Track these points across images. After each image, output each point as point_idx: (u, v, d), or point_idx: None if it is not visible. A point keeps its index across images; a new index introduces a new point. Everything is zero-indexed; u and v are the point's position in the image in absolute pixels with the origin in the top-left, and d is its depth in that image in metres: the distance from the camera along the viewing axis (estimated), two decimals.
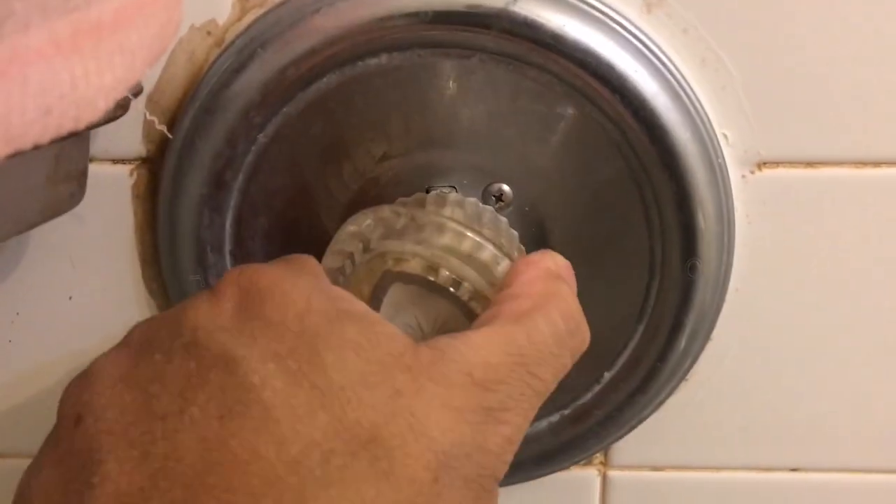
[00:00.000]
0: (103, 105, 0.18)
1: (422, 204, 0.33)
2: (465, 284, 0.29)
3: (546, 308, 0.25)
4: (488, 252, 0.30)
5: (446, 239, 0.30)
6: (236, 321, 0.23)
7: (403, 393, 0.22)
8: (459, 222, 0.30)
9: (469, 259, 0.29)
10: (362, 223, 0.31)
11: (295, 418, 0.21)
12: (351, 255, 0.31)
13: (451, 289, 0.29)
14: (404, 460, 0.21)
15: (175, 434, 0.21)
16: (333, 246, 0.32)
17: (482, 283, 0.30)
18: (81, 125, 0.18)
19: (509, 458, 0.24)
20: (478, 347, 0.23)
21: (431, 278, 0.29)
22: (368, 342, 0.23)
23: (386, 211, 0.31)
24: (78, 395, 0.24)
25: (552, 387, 0.25)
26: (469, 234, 0.30)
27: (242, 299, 0.23)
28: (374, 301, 0.31)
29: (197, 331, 0.23)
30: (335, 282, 0.31)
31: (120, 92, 0.19)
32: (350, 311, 0.24)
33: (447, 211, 0.32)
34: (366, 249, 0.31)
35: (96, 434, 0.22)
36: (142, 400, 0.22)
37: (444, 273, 0.29)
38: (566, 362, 0.26)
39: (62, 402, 0.25)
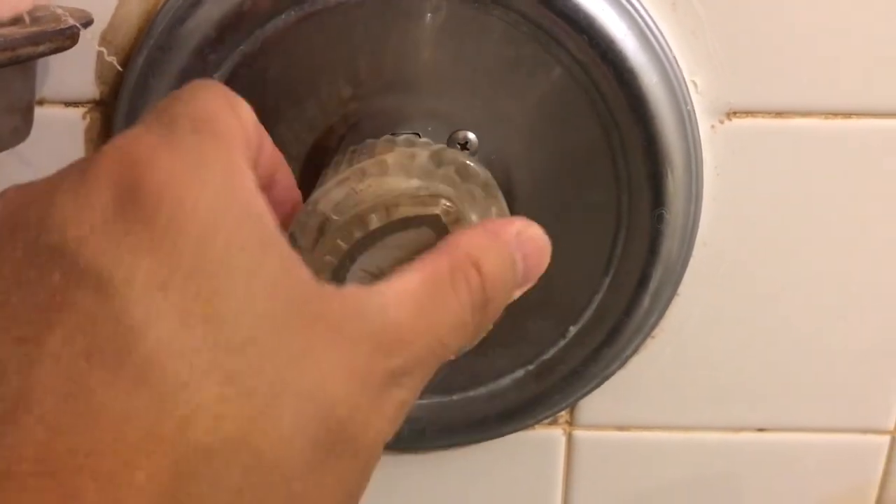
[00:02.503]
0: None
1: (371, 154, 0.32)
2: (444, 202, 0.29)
3: (458, 275, 0.23)
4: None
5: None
6: (114, 225, 0.18)
7: (312, 352, 0.19)
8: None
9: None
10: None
11: (183, 377, 0.17)
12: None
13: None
14: (303, 429, 0.19)
15: (31, 366, 0.17)
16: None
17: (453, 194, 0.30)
18: (6, 14, 0.16)
19: (400, 421, 0.22)
20: (388, 307, 0.21)
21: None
22: (283, 282, 0.19)
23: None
24: None
25: (455, 354, 0.23)
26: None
27: (125, 192, 0.18)
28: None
29: (65, 230, 0.18)
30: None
31: None
32: (263, 235, 0.19)
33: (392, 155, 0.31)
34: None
35: None
36: None
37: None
38: (470, 334, 0.24)
39: None
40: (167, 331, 0.18)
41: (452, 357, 0.23)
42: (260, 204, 0.20)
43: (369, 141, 0.33)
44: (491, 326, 0.25)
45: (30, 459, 0.17)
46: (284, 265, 0.19)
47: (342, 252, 0.30)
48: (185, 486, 0.17)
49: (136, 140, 0.19)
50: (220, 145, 0.20)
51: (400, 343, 0.21)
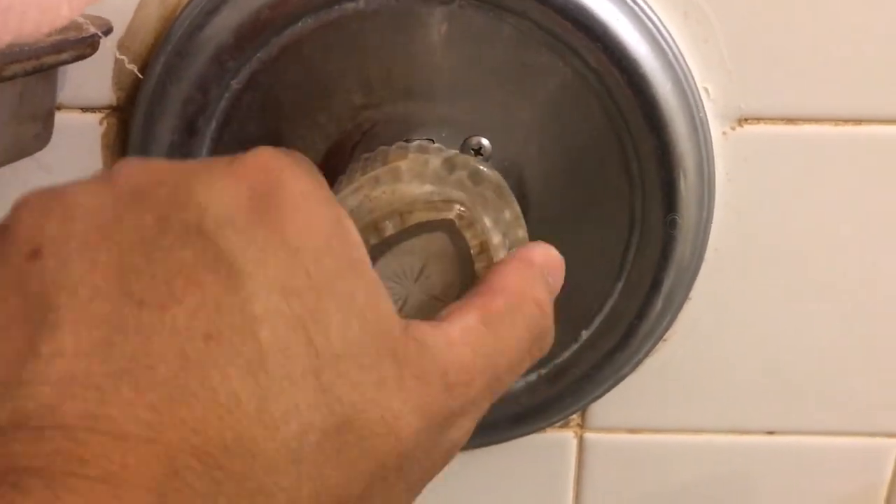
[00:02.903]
0: (67, 12, 0.17)
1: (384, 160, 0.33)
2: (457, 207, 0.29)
3: (516, 313, 0.24)
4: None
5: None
6: (250, 221, 0.19)
7: (387, 383, 0.20)
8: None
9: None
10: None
11: (286, 376, 0.18)
12: None
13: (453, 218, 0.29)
14: (369, 454, 0.20)
15: (151, 332, 0.18)
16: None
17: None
18: (44, 29, 0.17)
19: (447, 463, 0.23)
20: (453, 346, 0.22)
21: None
22: (372, 313, 0.20)
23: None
24: (40, 218, 0.19)
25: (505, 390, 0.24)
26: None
27: (262, 196, 0.20)
28: None
29: (205, 213, 0.19)
30: None
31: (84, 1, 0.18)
32: (362, 268, 0.21)
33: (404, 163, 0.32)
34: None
35: (55, 285, 0.18)
36: (117, 267, 0.18)
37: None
38: (525, 367, 0.25)
39: (17, 211, 0.20)
40: (280, 331, 0.19)
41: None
42: (356, 234, 0.22)
43: (382, 148, 0.33)
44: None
45: (142, 423, 0.17)
46: (372, 295, 0.21)
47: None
48: (272, 476, 0.18)
49: (274, 155, 0.21)
50: (324, 181, 0.22)
51: (465, 383, 0.22)
